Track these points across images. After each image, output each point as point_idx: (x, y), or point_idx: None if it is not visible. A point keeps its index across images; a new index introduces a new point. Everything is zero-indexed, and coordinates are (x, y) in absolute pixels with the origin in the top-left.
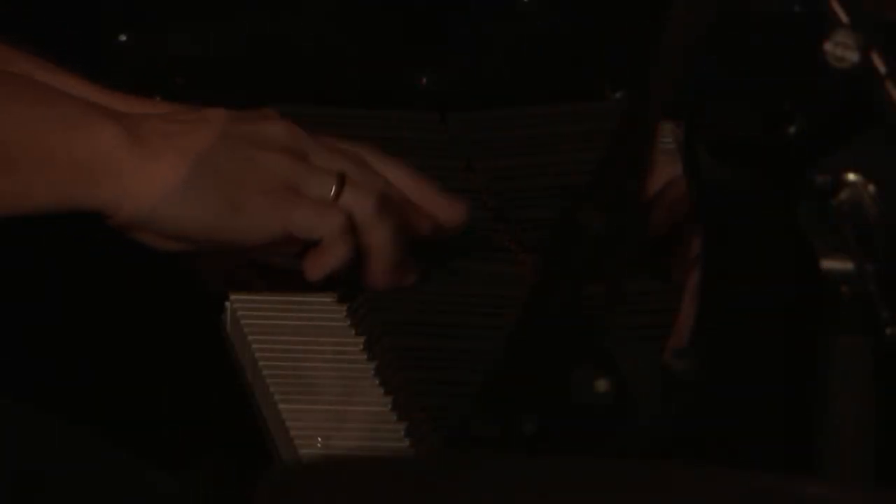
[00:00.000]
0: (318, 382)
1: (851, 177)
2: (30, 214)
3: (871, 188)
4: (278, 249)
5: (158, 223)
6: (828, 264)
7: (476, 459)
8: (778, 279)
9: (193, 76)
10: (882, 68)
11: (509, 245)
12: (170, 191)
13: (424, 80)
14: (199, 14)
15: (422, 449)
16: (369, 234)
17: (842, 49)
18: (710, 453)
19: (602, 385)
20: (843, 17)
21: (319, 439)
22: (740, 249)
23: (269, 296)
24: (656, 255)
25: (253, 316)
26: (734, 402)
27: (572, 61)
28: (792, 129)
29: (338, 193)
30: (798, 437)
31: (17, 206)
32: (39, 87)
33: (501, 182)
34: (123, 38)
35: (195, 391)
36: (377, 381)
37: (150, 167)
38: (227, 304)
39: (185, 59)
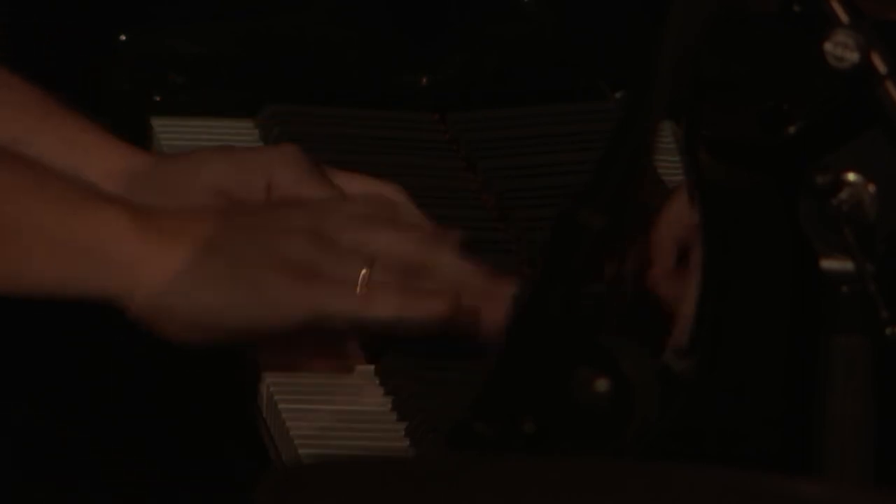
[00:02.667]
0: (318, 382)
1: (851, 177)
2: (40, 296)
3: (871, 188)
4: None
5: (172, 313)
6: (828, 264)
7: (476, 459)
8: (778, 279)
9: (193, 75)
10: (882, 68)
11: (509, 245)
12: (181, 278)
13: (424, 80)
14: (198, 14)
15: (422, 449)
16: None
17: (842, 49)
18: (710, 453)
19: (602, 385)
20: (843, 17)
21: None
22: (740, 249)
23: None
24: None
25: None
26: (734, 402)
27: (572, 61)
28: (792, 129)
29: (366, 277)
30: (798, 437)
31: (23, 286)
32: (42, 171)
33: (501, 182)
34: (123, 38)
35: (195, 391)
36: (377, 381)
37: (160, 254)
38: None
39: (185, 58)
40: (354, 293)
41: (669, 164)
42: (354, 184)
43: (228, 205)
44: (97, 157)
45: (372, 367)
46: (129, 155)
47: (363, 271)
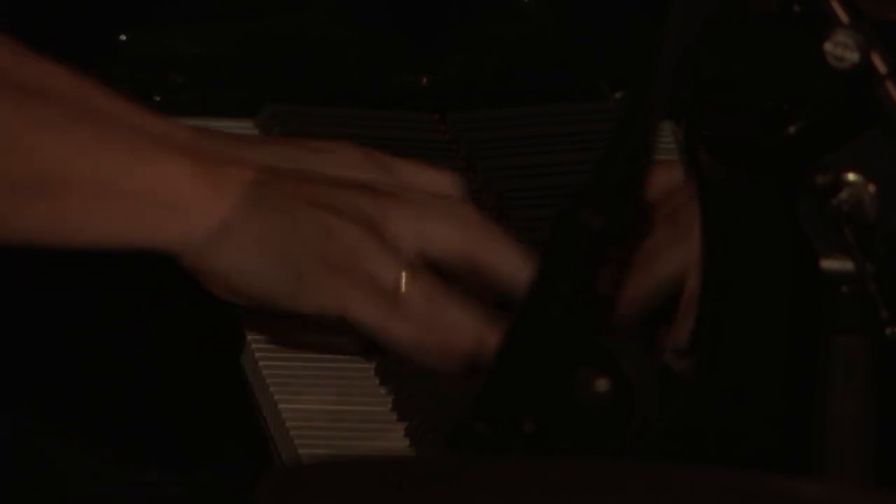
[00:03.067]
0: (318, 382)
1: (851, 177)
2: (78, 248)
3: (871, 188)
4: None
5: (220, 274)
6: (828, 264)
7: (476, 459)
8: (778, 279)
9: (193, 75)
10: (882, 68)
11: None
12: (229, 235)
13: (424, 80)
14: (198, 14)
15: (422, 449)
16: (436, 327)
17: (842, 49)
18: (710, 453)
19: (602, 385)
20: (843, 17)
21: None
22: (740, 249)
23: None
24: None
25: (254, 316)
26: (734, 402)
27: (572, 61)
28: (792, 129)
29: (398, 288)
30: (798, 437)
31: (66, 236)
32: (100, 113)
33: (501, 182)
34: (123, 38)
35: (195, 391)
36: (377, 381)
37: (218, 208)
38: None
39: (185, 58)
40: (381, 307)
41: None
42: (416, 173)
43: (299, 169)
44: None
45: (372, 367)
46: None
47: (402, 275)
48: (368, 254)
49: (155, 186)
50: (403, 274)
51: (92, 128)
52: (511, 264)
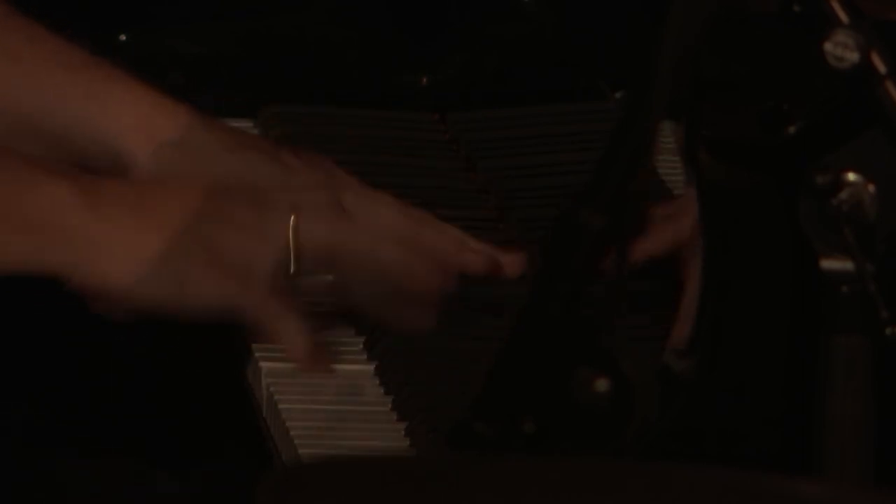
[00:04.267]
0: (318, 382)
1: (851, 177)
2: None
3: (871, 188)
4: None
5: (111, 292)
6: (828, 264)
7: (476, 459)
8: (778, 279)
9: (193, 75)
10: (882, 68)
11: (509, 245)
12: (122, 261)
13: (424, 80)
14: (198, 14)
15: (422, 449)
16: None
17: (842, 49)
18: (710, 453)
19: (602, 385)
20: (843, 17)
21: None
22: (740, 249)
23: None
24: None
25: None
26: (734, 402)
27: (572, 61)
28: (792, 129)
29: (290, 229)
30: (798, 437)
31: None
32: None
33: (501, 182)
34: (123, 38)
35: (195, 391)
36: (377, 381)
37: (105, 232)
38: None
39: (185, 57)
40: (258, 294)
41: (669, 164)
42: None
43: (178, 184)
44: (126, 110)
45: (372, 367)
46: (164, 113)
47: (288, 223)
48: (249, 251)
49: (40, 212)
50: (287, 260)
51: None
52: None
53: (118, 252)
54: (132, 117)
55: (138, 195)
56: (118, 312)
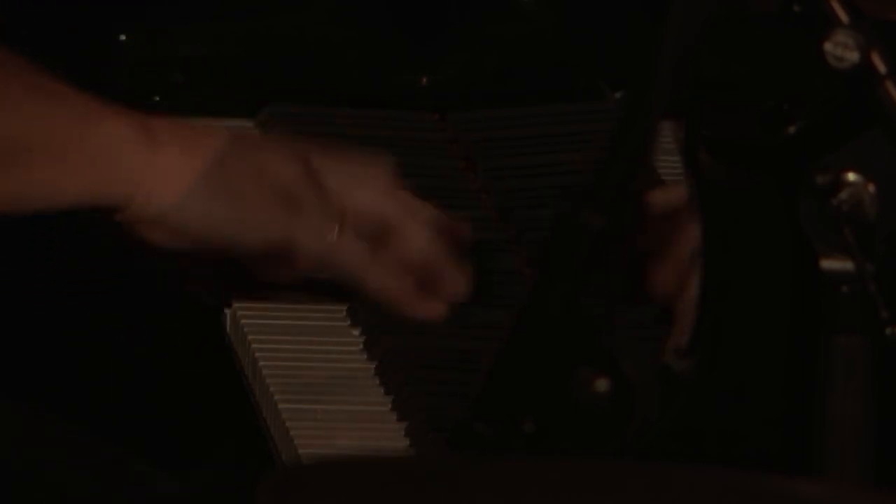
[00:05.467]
0: (318, 382)
1: (851, 177)
2: (45, 210)
3: (871, 188)
4: (278, 269)
5: (166, 219)
6: (828, 264)
7: (476, 459)
8: (778, 279)
9: (193, 76)
10: (882, 68)
11: (509, 245)
12: (179, 187)
13: (424, 80)
14: (198, 14)
15: (422, 449)
16: (364, 278)
17: (842, 49)
18: (710, 453)
19: (602, 385)
20: (843, 17)
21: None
22: (740, 249)
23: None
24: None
25: (253, 316)
26: (734, 402)
27: (572, 61)
28: (792, 129)
29: (340, 226)
30: (798, 437)
31: (33, 201)
32: (49, 82)
33: (501, 182)
34: (123, 38)
35: (195, 391)
36: (377, 381)
37: (163, 163)
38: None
39: (185, 58)
40: (325, 235)
41: (669, 164)
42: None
43: (235, 132)
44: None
45: (372, 367)
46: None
47: (338, 220)
48: (310, 193)
49: (104, 147)
50: (340, 213)
51: (46, 96)
52: (416, 239)
53: (174, 182)
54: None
55: (192, 131)
56: (170, 248)
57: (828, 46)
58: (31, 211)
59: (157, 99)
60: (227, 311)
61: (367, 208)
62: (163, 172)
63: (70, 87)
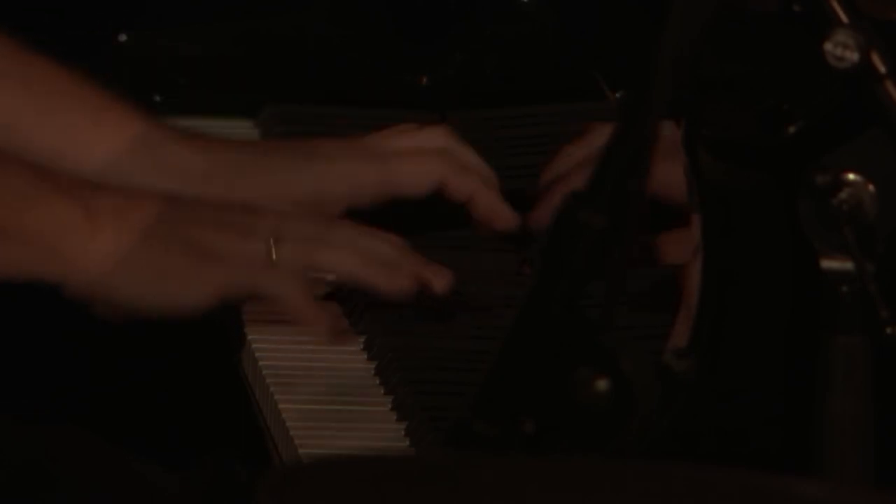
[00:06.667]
0: (318, 382)
1: (851, 177)
2: None
3: (871, 188)
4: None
5: (100, 293)
6: (828, 264)
7: (476, 459)
8: (778, 279)
9: (193, 76)
10: (882, 68)
11: (510, 245)
12: (108, 264)
13: (424, 80)
14: (198, 14)
15: (422, 449)
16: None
17: (842, 49)
18: (710, 453)
19: (602, 385)
20: (843, 17)
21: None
22: (740, 249)
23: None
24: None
25: (253, 316)
26: (734, 402)
27: (572, 61)
28: (792, 129)
29: (268, 255)
30: (798, 437)
31: None
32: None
33: (501, 182)
34: (123, 38)
35: (195, 391)
36: (377, 381)
37: (96, 242)
38: None
39: (185, 58)
40: (250, 269)
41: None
42: (407, 139)
43: (168, 197)
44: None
45: (372, 367)
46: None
47: (266, 246)
48: (229, 238)
49: (42, 231)
50: (266, 244)
51: None
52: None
53: (108, 261)
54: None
55: (128, 206)
56: (116, 316)
57: (828, 46)
58: None
59: (157, 99)
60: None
61: (295, 234)
62: (98, 253)
63: (18, 165)
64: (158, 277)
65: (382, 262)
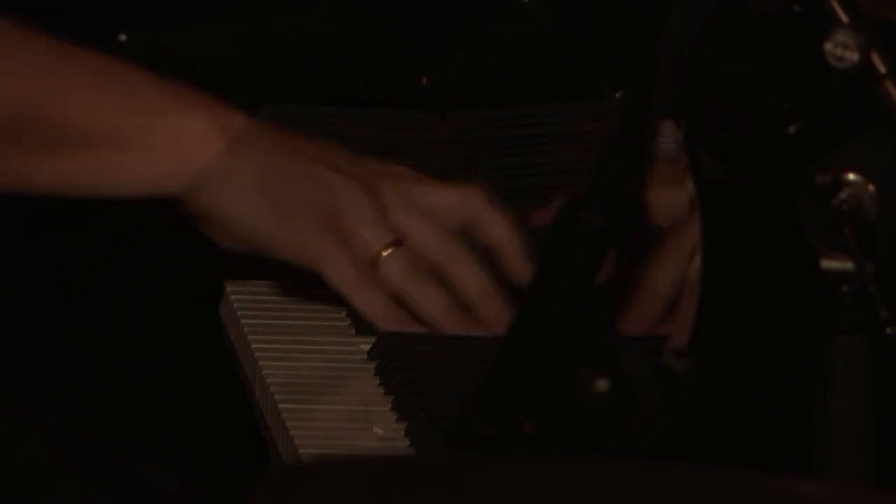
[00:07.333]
0: (318, 382)
1: (851, 177)
2: (102, 198)
3: (871, 188)
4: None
5: (218, 218)
6: (828, 264)
7: (476, 459)
8: (778, 279)
9: (193, 75)
10: (882, 68)
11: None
12: (236, 189)
13: (424, 80)
14: (198, 14)
15: (422, 449)
16: (407, 300)
17: (842, 49)
18: (710, 453)
19: (602, 385)
20: (843, 17)
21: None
22: (740, 249)
23: (270, 295)
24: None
25: (253, 315)
26: (734, 402)
27: (572, 61)
28: (792, 129)
29: (378, 257)
30: (798, 437)
31: (91, 187)
32: (125, 71)
33: (501, 182)
34: (123, 38)
35: (195, 391)
36: (377, 382)
37: (228, 164)
38: (227, 302)
39: (185, 58)
40: (354, 273)
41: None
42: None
43: (308, 136)
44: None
45: (372, 367)
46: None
47: (385, 244)
48: (358, 216)
49: (172, 140)
50: (387, 244)
51: (119, 84)
52: (467, 279)
53: (235, 184)
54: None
55: (272, 134)
56: (222, 243)
57: (828, 46)
58: (85, 197)
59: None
60: (226, 302)
61: (420, 241)
62: (226, 173)
63: (149, 77)
64: (277, 215)
65: (461, 316)
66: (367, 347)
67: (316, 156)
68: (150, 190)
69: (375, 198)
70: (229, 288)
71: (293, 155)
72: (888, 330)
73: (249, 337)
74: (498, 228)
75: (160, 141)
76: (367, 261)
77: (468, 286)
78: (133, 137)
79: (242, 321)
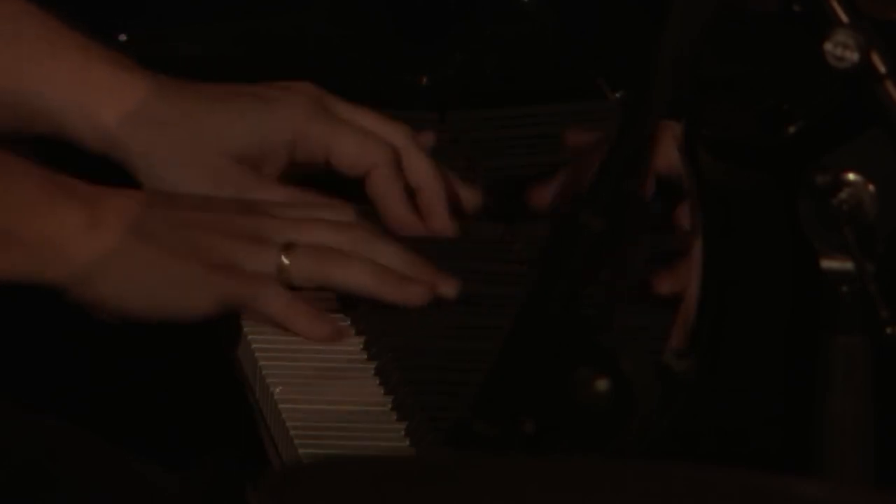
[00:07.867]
0: (318, 382)
1: (851, 177)
2: None
3: (871, 188)
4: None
5: (103, 299)
6: (828, 264)
7: (476, 459)
8: (778, 279)
9: (193, 75)
10: (882, 68)
11: (509, 245)
12: (112, 269)
13: (424, 79)
14: (198, 14)
15: (422, 449)
16: (333, 283)
17: (842, 49)
18: (710, 453)
19: (602, 385)
20: (843, 17)
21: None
22: (740, 249)
23: None
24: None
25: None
26: (734, 403)
27: (572, 61)
28: (792, 129)
29: (280, 266)
30: (798, 437)
31: None
32: (6, 158)
33: (501, 182)
34: (123, 38)
35: (195, 391)
36: (377, 381)
37: (99, 247)
38: None
39: (185, 57)
40: (261, 286)
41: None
42: (366, 120)
43: (168, 196)
44: (112, 96)
45: (372, 367)
46: (148, 98)
47: (279, 261)
48: (240, 247)
49: (46, 239)
50: (277, 256)
51: None
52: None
53: (114, 270)
54: (121, 103)
55: (137, 213)
56: (117, 321)
57: (828, 46)
58: None
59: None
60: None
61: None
62: (103, 261)
63: (24, 169)
64: (163, 284)
65: (394, 273)
66: (366, 348)
67: (188, 219)
68: (32, 281)
69: (251, 219)
70: None
71: (162, 230)
72: (888, 330)
73: (250, 337)
74: (417, 162)
75: (34, 238)
76: (274, 273)
77: (387, 261)
78: (7, 234)
79: (243, 321)
